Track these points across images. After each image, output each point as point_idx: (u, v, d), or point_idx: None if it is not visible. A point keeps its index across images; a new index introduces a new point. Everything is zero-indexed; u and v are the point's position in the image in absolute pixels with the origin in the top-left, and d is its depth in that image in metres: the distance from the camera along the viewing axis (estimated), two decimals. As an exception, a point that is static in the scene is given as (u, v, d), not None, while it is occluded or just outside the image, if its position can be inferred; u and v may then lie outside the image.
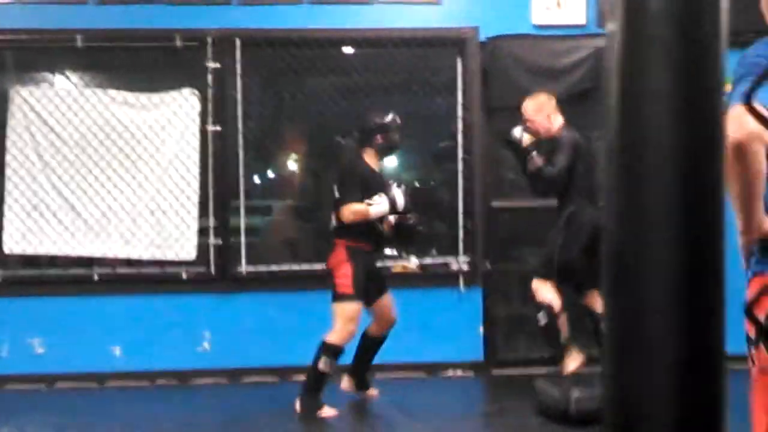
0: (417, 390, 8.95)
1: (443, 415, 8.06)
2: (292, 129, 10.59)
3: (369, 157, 8.16)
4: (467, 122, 9.57)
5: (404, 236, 8.37)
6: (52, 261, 9.34)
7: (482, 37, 9.56)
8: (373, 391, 8.47)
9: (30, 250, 9.17)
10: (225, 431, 7.67)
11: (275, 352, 9.24)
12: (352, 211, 7.91)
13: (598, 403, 7.14)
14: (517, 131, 8.35)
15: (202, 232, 9.30)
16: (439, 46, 9.71)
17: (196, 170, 9.24)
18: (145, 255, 9.19)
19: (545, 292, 8.26)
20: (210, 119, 9.29)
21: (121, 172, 9.19)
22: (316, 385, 7.85)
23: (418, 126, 10.07)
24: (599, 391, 7.26)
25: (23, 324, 9.07)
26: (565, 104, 9.10)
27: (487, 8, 9.58)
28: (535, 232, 9.59)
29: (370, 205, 7.94)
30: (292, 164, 11.34)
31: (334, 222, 8.12)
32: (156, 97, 9.25)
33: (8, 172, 9.14)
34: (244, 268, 9.30)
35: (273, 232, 10.84)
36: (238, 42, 9.31)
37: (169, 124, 9.26)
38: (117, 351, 9.15)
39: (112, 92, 9.26)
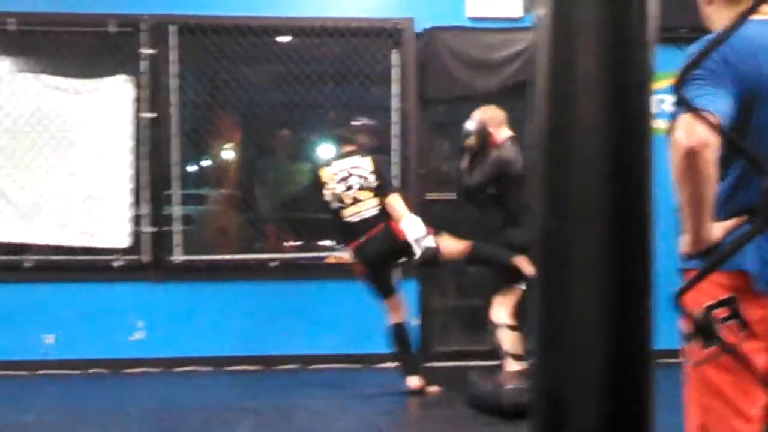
0: (351, 381, 8.94)
1: (376, 406, 8.06)
2: (226, 117, 10.52)
3: None
4: (402, 113, 9.57)
5: None
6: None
7: (418, 28, 9.57)
8: None
9: (-40, 236, 9.06)
10: (156, 420, 7.62)
11: (208, 342, 9.19)
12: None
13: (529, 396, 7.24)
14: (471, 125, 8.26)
15: (136, 220, 9.22)
16: (375, 37, 9.68)
17: (129, 157, 9.17)
18: (78, 242, 9.10)
19: (498, 311, 8.06)
20: (144, 106, 9.22)
21: (53, 159, 9.10)
22: None
23: (352, 116, 10.04)
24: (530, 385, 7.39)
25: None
26: (500, 97, 9.17)
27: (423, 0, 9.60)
28: (469, 225, 9.63)
29: None
30: (226, 153, 11.28)
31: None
32: (90, 83, 9.16)
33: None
34: (177, 257, 9.23)
35: (206, 222, 10.77)
36: (172, 28, 9.25)
37: (103, 110, 9.17)
38: (49, 339, 9.06)
39: (45, 77, 9.15)
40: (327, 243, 9.76)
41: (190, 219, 9.86)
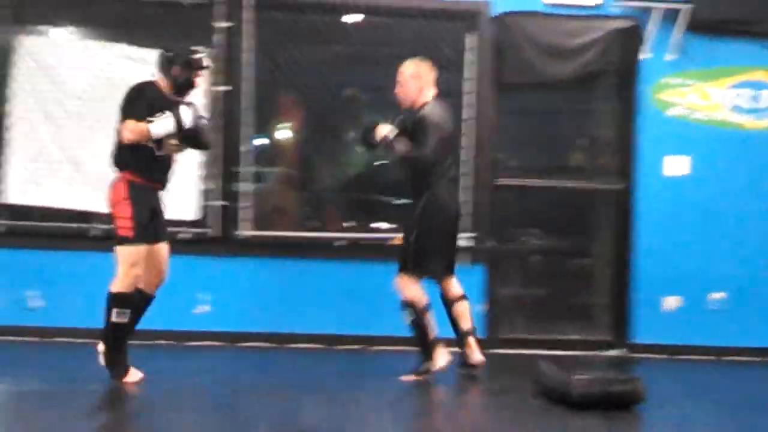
0: (413, 363, 8.85)
1: (440, 390, 7.97)
2: (292, 95, 10.45)
3: (162, 85, 7.53)
4: (477, 98, 9.47)
5: (192, 142, 7.61)
6: (51, 214, 9.18)
7: (493, 12, 9.47)
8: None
9: (31, 202, 9.04)
10: (218, 394, 7.55)
11: (271, 318, 9.15)
12: (130, 128, 7.21)
13: (600, 387, 7.13)
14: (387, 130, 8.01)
15: (205, 193, 9.17)
16: (450, 20, 9.60)
17: (199, 131, 9.10)
18: (147, 213, 9.06)
19: (409, 288, 7.99)
20: (218, 79, 9.15)
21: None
22: (116, 340, 7.40)
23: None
24: (601, 375, 7.27)
25: (19, 276, 8.95)
26: (574, 85, 9.09)
27: (501, -17, 9.51)
28: (540, 212, 9.58)
29: (150, 122, 7.22)
30: (289, 131, 11.21)
31: (114, 152, 7.49)
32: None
33: (10, 121, 9.01)
34: (244, 232, 9.17)
35: (271, 198, 10.73)
36: (248, 2, 9.18)
37: (177, 81, 9.11)
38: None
39: (118, 46, 9.12)
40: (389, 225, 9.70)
41: (257, 195, 9.78)
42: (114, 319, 7.31)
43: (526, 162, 9.88)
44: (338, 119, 10.19)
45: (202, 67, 7.57)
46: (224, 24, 9.17)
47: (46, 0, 9.27)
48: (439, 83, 9.56)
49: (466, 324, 8.21)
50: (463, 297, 8.25)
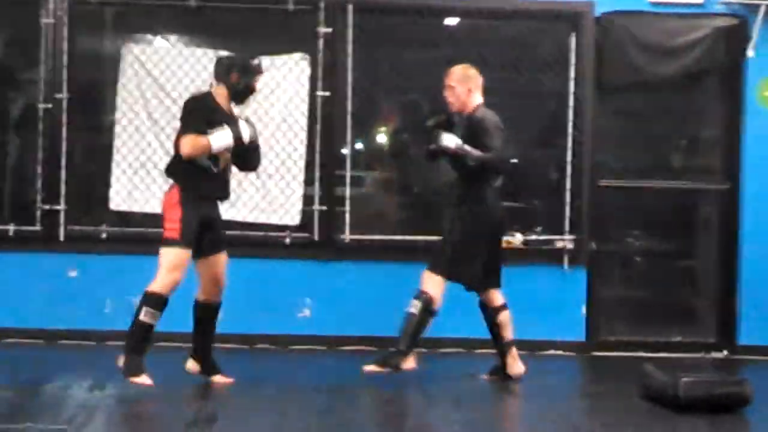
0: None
1: (546, 394, 7.92)
2: (393, 99, 10.47)
3: (219, 96, 7.46)
4: (578, 99, 9.42)
5: (244, 159, 7.55)
6: (157, 220, 9.28)
7: (597, 12, 9.41)
8: (221, 378, 7.72)
9: (136, 208, 9.19)
10: (320, 398, 7.58)
11: (374, 322, 9.16)
12: (191, 143, 7.18)
13: (707, 389, 7.06)
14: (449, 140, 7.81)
15: (307, 198, 9.24)
16: (552, 21, 9.56)
17: (303, 135, 9.22)
18: (249, 218, 9.18)
19: (433, 285, 7.86)
20: (319, 85, 9.22)
21: (229, 134, 9.16)
22: (139, 340, 7.29)
23: (523, 102, 9.92)
24: (708, 377, 7.19)
25: (126, 282, 9.04)
26: (677, 84, 8.98)
27: (604, -18, 9.45)
28: (643, 213, 9.50)
29: (210, 135, 7.18)
30: (389, 135, 11.24)
31: (169, 163, 7.55)
32: (267, 59, 9.17)
33: (117, 128, 9.16)
34: (347, 236, 9.22)
35: (368, 203, 10.76)
36: (350, 7, 9.22)
37: (279, 87, 9.24)
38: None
39: (223, 53, 9.20)
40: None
41: (357, 199, 9.81)
42: (142, 317, 7.24)
43: (628, 163, 9.81)
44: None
45: (260, 72, 7.55)
46: (326, 29, 9.20)
47: (152, 8, 9.38)
48: (541, 84, 9.59)
49: (508, 334, 8.10)
50: (505, 306, 8.10)
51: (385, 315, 9.10)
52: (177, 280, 7.24)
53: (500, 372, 8.12)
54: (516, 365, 8.08)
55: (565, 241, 9.37)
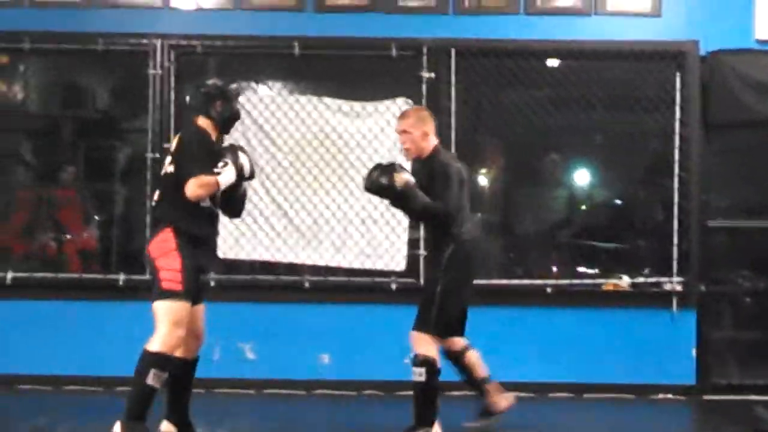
0: (626, 412, 8.73)
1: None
2: (496, 141, 10.45)
3: (207, 127, 6.87)
4: (684, 138, 9.32)
5: (233, 208, 7.08)
6: (264, 267, 9.35)
7: (702, 51, 9.32)
8: None
9: (243, 255, 9.26)
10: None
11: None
12: (201, 183, 6.57)
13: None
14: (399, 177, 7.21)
15: (411, 242, 9.23)
16: (656, 60, 9.46)
17: (408, 180, 9.19)
18: (356, 264, 9.20)
19: (427, 346, 7.30)
20: (423, 129, 9.22)
21: (333, 180, 9.24)
22: (144, 404, 6.46)
23: (627, 142, 9.85)
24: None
25: (235, 329, 9.13)
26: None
27: (708, 21, 9.36)
28: (752, 253, 9.35)
29: (218, 174, 6.66)
30: (493, 177, 11.21)
31: (159, 201, 6.79)
32: (370, 105, 9.27)
33: (224, 177, 9.23)
34: (454, 280, 9.18)
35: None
36: (453, 52, 9.24)
37: (382, 132, 9.26)
38: (325, 359, 9.15)
39: (327, 100, 9.30)
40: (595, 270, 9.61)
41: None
42: (150, 381, 6.39)
43: (736, 202, 9.66)
44: (541, 164, 10.15)
45: (238, 95, 7.14)
46: (429, 74, 9.22)
47: (256, 57, 9.48)
48: (645, 124, 9.49)
49: (482, 371, 7.74)
50: (469, 346, 7.72)
51: (492, 359, 9.06)
52: (181, 337, 6.53)
53: (487, 414, 7.78)
54: (501, 399, 7.75)
55: (674, 284, 9.24)
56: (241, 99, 9.29)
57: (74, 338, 9.24)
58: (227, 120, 6.93)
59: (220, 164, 6.68)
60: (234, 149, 6.92)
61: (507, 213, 10.32)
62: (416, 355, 7.29)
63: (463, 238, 7.37)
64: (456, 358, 7.66)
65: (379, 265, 9.20)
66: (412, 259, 9.23)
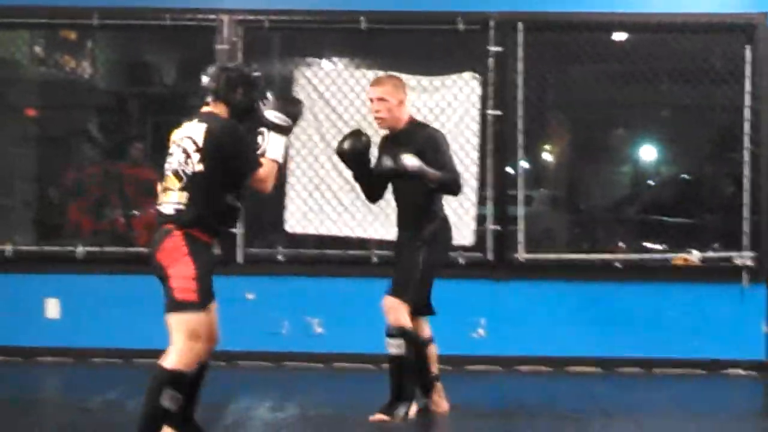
0: (696, 388, 8.69)
1: (724, 414, 7.75)
2: (563, 115, 10.43)
3: (224, 114, 6.08)
4: (754, 112, 9.22)
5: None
6: (332, 241, 9.38)
7: (772, 23, 9.24)
8: None
9: (311, 230, 9.30)
10: (494, 420, 7.54)
11: (550, 342, 9.11)
12: (268, 174, 6.01)
13: None
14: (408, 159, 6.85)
15: (479, 217, 9.22)
16: (726, 32, 9.36)
17: (475, 155, 9.19)
18: (423, 238, 9.17)
19: (404, 315, 6.97)
20: (490, 104, 9.19)
21: (400, 155, 9.20)
22: (153, 427, 5.76)
23: (695, 116, 9.78)
24: None
25: (303, 303, 9.18)
26: None
27: (778, -8, 9.24)
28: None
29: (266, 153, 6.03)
30: (559, 152, 11.18)
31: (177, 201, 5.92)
32: (437, 80, 9.25)
33: (291, 152, 9.26)
34: (521, 255, 9.16)
35: (539, 221, 10.71)
36: (520, 25, 9.18)
37: (449, 107, 9.25)
38: (393, 333, 9.16)
39: (393, 74, 9.25)
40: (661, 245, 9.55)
41: (528, 217, 9.76)
42: (165, 402, 5.70)
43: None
44: (609, 139, 10.11)
45: (260, 83, 6.25)
46: (496, 48, 9.18)
47: (322, 32, 9.52)
48: (714, 98, 9.39)
49: (435, 368, 7.32)
50: (432, 340, 7.32)
51: (561, 334, 9.07)
52: (200, 353, 5.85)
53: (426, 413, 7.26)
54: (442, 402, 7.33)
55: (744, 258, 9.16)
56: (309, 74, 9.33)
57: (144, 312, 9.28)
58: (242, 110, 6.11)
59: (259, 139, 6.09)
60: (253, 131, 6.17)
61: (574, 188, 10.30)
62: (393, 327, 7.00)
63: (443, 214, 7.19)
64: (418, 345, 7.17)
65: (448, 240, 9.18)
66: (480, 234, 9.20)
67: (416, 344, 7.03)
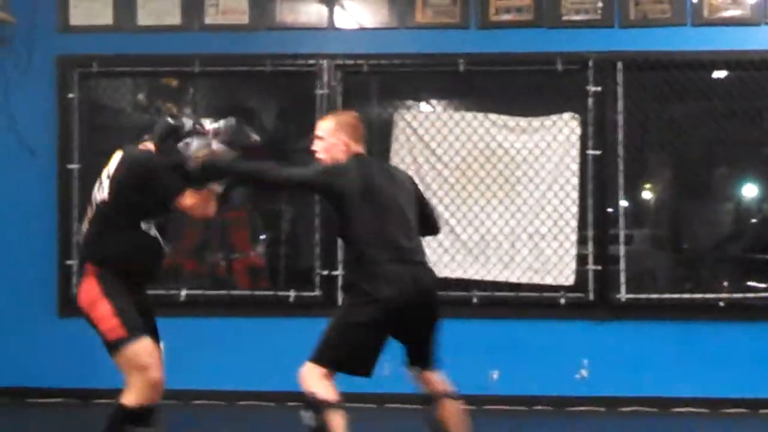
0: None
1: None
2: (664, 154, 10.35)
3: None
4: None
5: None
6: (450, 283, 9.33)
7: None
8: None
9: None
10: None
11: (653, 382, 9.01)
12: (194, 198, 5.92)
13: None
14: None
15: (580, 257, 9.17)
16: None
17: (575, 195, 9.15)
18: (524, 279, 9.17)
19: (315, 381, 5.92)
20: (590, 143, 9.17)
21: (500, 196, 9.23)
22: None
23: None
24: None
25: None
26: None
27: None
28: None
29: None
30: (660, 191, 11.09)
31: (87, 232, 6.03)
32: (536, 121, 9.24)
33: (391, 194, 9.29)
34: (623, 295, 9.09)
35: (640, 261, 10.61)
36: (620, 65, 9.15)
37: (549, 147, 9.23)
38: (495, 375, 9.14)
39: (493, 116, 9.30)
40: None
41: (629, 257, 9.68)
42: None
43: None
44: (710, 177, 10.01)
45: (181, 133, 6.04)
46: (595, 88, 9.15)
47: (420, 75, 9.55)
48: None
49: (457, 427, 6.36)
50: (440, 395, 6.40)
51: (664, 374, 8.98)
52: (156, 380, 5.81)
53: None
54: None
55: None
56: (408, 117, 9.39)
57: (246, 354, 9.40)
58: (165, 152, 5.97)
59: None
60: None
61: (675, 227, 10.19)
62: (305, 395, 5.97)
63: (373, 258, 6.02)
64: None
65: (548, 280, 9.15)
66: (581, 274, 9.15)
67: (326, 414, 5.82)
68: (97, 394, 8.94)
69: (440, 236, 9.13)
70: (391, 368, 8.29)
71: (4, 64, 9.61)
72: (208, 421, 8.83)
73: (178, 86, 10.63)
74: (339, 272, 9.22)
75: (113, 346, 5.75)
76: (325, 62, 9.41)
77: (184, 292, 9.50)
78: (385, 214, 6.07)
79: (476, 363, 9.12)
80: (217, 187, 6.08)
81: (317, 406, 5.82)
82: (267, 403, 9.23)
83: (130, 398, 5.73)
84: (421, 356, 6.43)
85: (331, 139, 6.28)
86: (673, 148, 10.01)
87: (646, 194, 11.29)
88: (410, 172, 9.15)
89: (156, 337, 6.03)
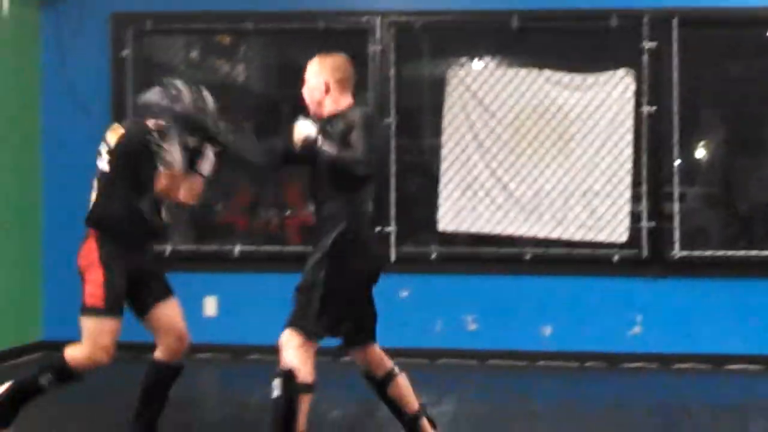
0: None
1: None
2: (719, 111, 10.26)
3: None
4: None
5: None
6: (485, 239, 9.39)
7: None
8: None
9: (464, 229, 9.32)
10: (652, 417, 7.48)
11: (707, 339, 8.99)
12: (165, 180, 5.95)
13: None
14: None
15: (634, 215, 9.15)
16: None
17: (629, 152, 9.11)
18: (577, 236, 9.17)
19: (294, 351, 5.61)
20: (644, 100, 9.11)
21: (553, 153, 9.21)
22: (22, 396, 5.88)
23: None
24: None
25: (457, 301, 9.22)
26: None
27: None
28: None
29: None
30: (715, 149, 11.01)
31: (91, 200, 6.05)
32: (590, 77, 9.20)
33: (444, 152, 9.33)
34: (677, 252, 9.06)
35: (694, 218, 10.57)
36: (675, 21, 9.08)
37: (603, 104, 9.19)
38: (547, 331, 9.15)
39: (547, 72, 9.27)
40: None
41: (683, 214, 9.65)
42: (40, 381, 5.85)
43: None
44: (764, 134, 9.92)
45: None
46: (650, 44, 9.09)
47: (474, 32, 9.53)
48: None
49: (414, 403, 6.04)
50: (393, 373, 6.03)
51: (717, 332, 8.96)
52: (103, 359, 5.83)
53: None
54: None
55: None
56: (461, 74, 9.37)
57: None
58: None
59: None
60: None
61: (729, 184, 10.12)
62: (280, 367, 5.68)
63: (356, 220, 5.81)
64: (376, 381, 6.10)
65: (601, 237, 9.13)
66: (634, 231, 9.13)
67: (294, 391, 5.58)
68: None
69: (493, 193, 9.19)
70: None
71: (59, 22, 9.67)
72: (261, 375, 8.88)
73: (230, 44, 10.64)
74: (392, 228, 9.25)
75: (87, 310, 5.83)
76: (377, 19, 9.40)
77: (237, 248, 9.56)
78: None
79: (528, 319, 9.15)
80: (202, 176, 6.05)
81: (288, 380, 5.56)
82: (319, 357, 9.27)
83: (71, 354, 5.84)
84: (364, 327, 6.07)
85: (313, 80, 5.84)
86: (729, 106, 9.93)
87: (700, 151, 11.21)
88: (464, 129, 9.23)
89: (168, 292, 6.07)
